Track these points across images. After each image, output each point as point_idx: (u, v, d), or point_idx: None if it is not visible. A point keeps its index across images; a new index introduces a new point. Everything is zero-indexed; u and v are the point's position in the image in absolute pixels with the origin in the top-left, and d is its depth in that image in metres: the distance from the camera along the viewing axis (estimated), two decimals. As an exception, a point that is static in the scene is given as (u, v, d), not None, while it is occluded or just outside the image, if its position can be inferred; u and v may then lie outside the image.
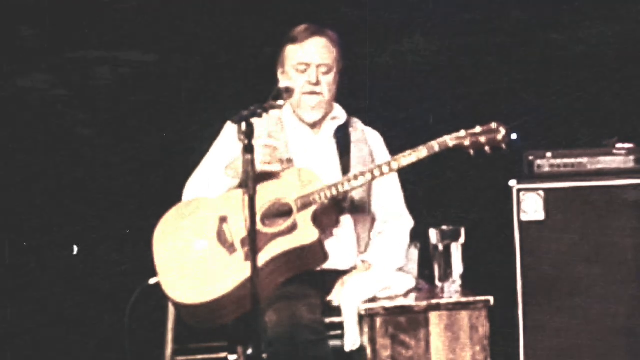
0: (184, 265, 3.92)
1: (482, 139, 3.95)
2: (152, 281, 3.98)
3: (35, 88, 4.95)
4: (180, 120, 4.91)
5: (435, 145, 3.95)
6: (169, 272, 3.92)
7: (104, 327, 4.80)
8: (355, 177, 3.98)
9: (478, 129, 3.97)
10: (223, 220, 3.95)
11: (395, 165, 3.98)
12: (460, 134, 3.96)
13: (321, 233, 3.95)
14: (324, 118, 4.20)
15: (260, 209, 3.80)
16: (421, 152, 3.95)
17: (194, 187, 4.10)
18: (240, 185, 3.97)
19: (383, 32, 5.06)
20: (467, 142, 3.95)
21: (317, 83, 4.12)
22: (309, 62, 4.12)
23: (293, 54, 4.14)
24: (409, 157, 3.96)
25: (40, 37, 4.95)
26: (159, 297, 3.95)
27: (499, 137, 3.95)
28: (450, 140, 3.96)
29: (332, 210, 4.04)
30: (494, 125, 3.97)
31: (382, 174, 3.99)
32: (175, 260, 3.93)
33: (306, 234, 3.92)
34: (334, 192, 3.97)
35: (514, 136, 4.00)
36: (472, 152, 3.96)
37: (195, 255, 3.93)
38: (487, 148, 3.95)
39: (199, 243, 3.94)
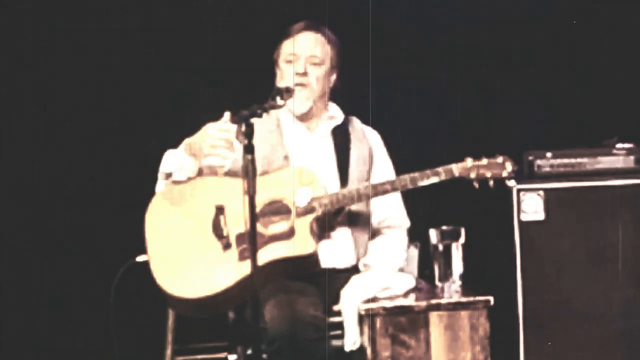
0: (176, 251, 3.90)
1: (488, 173, 4.01)
2: (139, 259, 3.97)
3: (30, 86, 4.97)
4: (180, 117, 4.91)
5: (441, 172, 3.99)
6: (160, 256, 3.90)
7: (91, 308, 4.80)
8: (358, 193, 3.99)
9: (485, 161, 4.02)
10: (220, 210, 3.94)
11: (400, 187, 4.00)
12: (467, 164, 4.00)
13: (317, 243, 3.96)
14: (318, 116, 4.21)
15: (257, 205, 3.79)
16: (428, 179, 3.98)
17: (166, 157, 4.08)
18: (200, 172, 3.97)
19: (384, 32, 5.06)
20: (472, 174, 4.00)
21: (305, 74, 4.12)
22: (297, 53, 4.14)
23: (285, 47, 4.17)
24: (415, 182, 3.98)
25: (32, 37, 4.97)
26: (159, 295, 3.95)
27: (504, 173, 4.02)
28: (456, 169, 4.01)
29: (330, 218, 4.05)
30: (500, 159, 4.03)
31: (385, 192, 4.02)
32: (168, 245, 3.92)
33: (304, 243, 3.92)
34: (335, 203, 3.98)
35: (515, 167, 4.05)
36: (476, 184, 4.00)
37: (188, 243, 3.92)
38: (491, 182, 4.00)
39: (194, 231, 3.93)
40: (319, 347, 3.78)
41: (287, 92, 3.95)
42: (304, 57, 4.14)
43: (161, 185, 4.05)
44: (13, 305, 4.95)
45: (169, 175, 4.02)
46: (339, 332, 3.92)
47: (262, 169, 4.00)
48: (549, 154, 4.58)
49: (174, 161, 4.01)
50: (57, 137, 4.97)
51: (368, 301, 3.91)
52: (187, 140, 4.00)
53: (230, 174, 4.00)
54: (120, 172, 4.94)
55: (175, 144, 4.12)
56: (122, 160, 4.94)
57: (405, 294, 4.01)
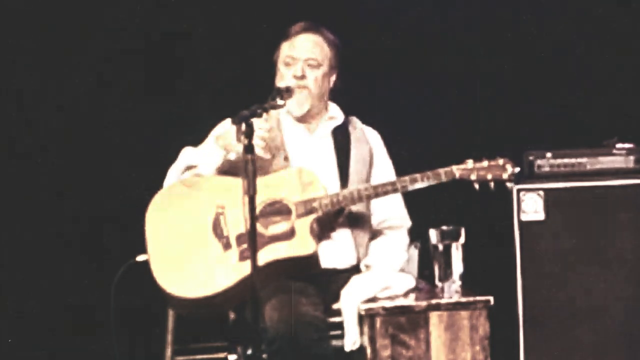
0: (176, 251, 3.91)
1: (489, 175, 4.00)
2: (139, 258, 3.97)
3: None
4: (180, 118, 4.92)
5: (442, 174, 3.98)
6: (160, 256, 3.90)
7: (91, 308, 4.80)
8: (359, 194, 3.98)
9: (485, 163, 4.01)
10: (220, 209, 3.94)
11: (401, 189, 4.00)
12: (468, 165, 4.00)
13: (318, 243, 3.96)
14: (317, 117, 4.21)
15: (257, 205, 3.80)
16: (429, 180, 3.98)
17: (187, 151, 4.09)
18: (225, 171, 3.97)
19: (384, 32, 5.07)
20: (473, 176, 4.00)
21: (303, 77, 4.12)
22: (296, 56, 4.14)
23: (284, 49, 4.16)
24: (415, 184, 3.98)
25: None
26: (159, 295, 3.95)
27: (505, 175, 4.02)
28: (457, 170, 4.00)
29: (330, 219, 4.05)
30: (501, 161, 4.02)
31: (385, 193, 4.01)
32: (168, 244, 3.92)
33: (304, 243, 3.92)
34: (335, 204, 3.98)
35: (517, 169, 4.04)
36: (477, 186, 4.00)
37: (189, 243, 3.92)
38: (491, 184, 4.00)
39: (194, 230, 3.93)
40: (319, 347, 3.78)
41: (287, 92, 3.96)
42: (302, 60, 4.13)
43: (174, 178, 4.04)
44: (13, 305, 4.95)
45: (189, 168, 4.02)
46: (339, 332, 3.92)
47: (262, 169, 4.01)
48: (549, 154, 4.58)
49: (202, 153, 4.01)
50: (57, 136, 4.97)
51: (368, 301, 3.91)
52: (216, 134, 4.02)
53: (229, 173, 4.00)
54: (120, 171, 4.94)
55: (175, 143, 4.14)
56: (123, 159, 4.95)
57: (405, 294, 4.01)
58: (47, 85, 4.97)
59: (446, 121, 5.04)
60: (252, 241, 3.49)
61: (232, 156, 3.98)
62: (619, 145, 4.60)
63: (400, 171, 4.18)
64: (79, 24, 4.96)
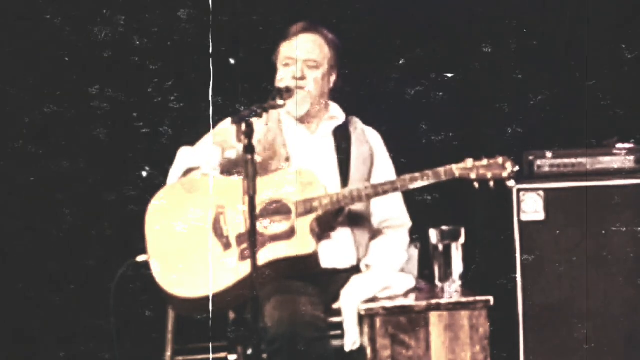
0: (176, 251, 3.91)
1: (488, 174, 4.00)
2: (139, 259, 3.97)
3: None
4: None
5: (442, 173, 3.98)
6: (160, 256, 3.91)
7: (91, 308, 4.80)
8: (359, 193, 3.98)
9: (485, 162, 4.02)
10: (220, 210, 3.94)
11: (401, 188, 4.00)
12: (468, 164, 4.00)
13: (318, 243, 3.96)
14: (318, 117, 4.21)
15: (257, 205, 3.80)
16: (429, 179, 3.97)
17: (184, 152, 4.09)
18: (223, 171, 3.97)
19: (385, 31, 5.06)
20: (473, 175, 4.00)
21: (302, 78, 4.12)
22: (295, 56, 4.14)
23: (283, 50, 4.16)
24: (415, 183, 3.98)
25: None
26: (159, 295, 3.95)
27: (504, 174, 4.02)
28: (457, 169, 4.00)
29: (330, 218, 4.05)
30: (500, 160, 4.02)
31: (385, 193, 4.01)
32: (168, 244, 3.92)
33: (304, 243, 3.92)
34: (335, 203, 3.98)
35: (516, 168, 4.04)
36: (477, 185, 4.00)
37: (189, 243, 3.92)
38: (491, 183, 4.00)
39: (194, 230, 3.93)
40: (319, 347, 3.78)
41: (287, 93, 3.96)
42: (302, 61, 4.13)
43: (174, 180, 4.05)
44: (13, 305, 4.94)
45: (190, 170, 4.02)
46: (339, 332, 3.92)
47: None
48: (549, 154, 4.58)
49: (200, 154, 4.01)
50: (57, 135, 4.97)
51: (368, 301, 3.91)
52: (215, 132, 4.02)
53: (229, 173, 4.01)
54: (121, 170, 4.94)
55: (177, 142, 4.14)
56: (123, 159, 4.95)
57: (405, 294, 4.01)
58: (48, 83, 4.96)
59: (446, 121, 5.04)
60: (252, 241, 3.49)
61: (233, 154, 3.98)
62: (619, 145, 4.60)
63: (400, 171, 4.18)
64: (76, 23, 4.97)
